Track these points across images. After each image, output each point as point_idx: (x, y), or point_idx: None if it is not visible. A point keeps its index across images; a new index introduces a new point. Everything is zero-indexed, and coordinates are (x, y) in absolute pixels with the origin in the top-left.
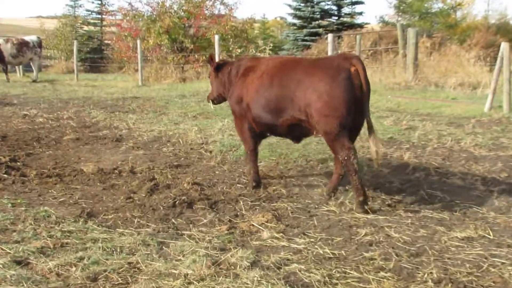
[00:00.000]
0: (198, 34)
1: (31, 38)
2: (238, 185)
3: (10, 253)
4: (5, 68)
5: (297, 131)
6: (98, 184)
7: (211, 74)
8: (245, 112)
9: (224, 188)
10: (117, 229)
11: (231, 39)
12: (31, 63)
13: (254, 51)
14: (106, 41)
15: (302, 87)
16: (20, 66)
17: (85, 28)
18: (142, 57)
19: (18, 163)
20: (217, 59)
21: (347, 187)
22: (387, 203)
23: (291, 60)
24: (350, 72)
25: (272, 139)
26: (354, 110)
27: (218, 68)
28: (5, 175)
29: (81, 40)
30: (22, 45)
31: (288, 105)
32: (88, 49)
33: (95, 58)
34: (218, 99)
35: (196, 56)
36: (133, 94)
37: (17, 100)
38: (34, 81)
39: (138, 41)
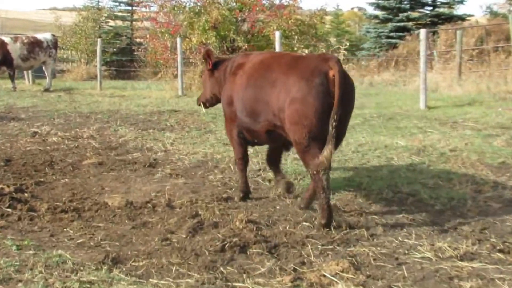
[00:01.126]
0: (254, 31)
1: (44, 36)
2: (304, 223)
3: None
4: (12, 74)
5: (278, 139)
6: (126, 221)
7: (205, 73)
8: (235, 115)
9: (287, 227)
10: (150, 280)
11: (296, 36)
12: (43, 68)
13: (324, 51)
14: (137, 40)
15: (276, 89)
16: (30, 71)
17: (111, 23)
18: (183, 60)
19: (26, 194)
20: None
21: (446, 227)
22: (498, 247)
23: (273, 57)
24: (327, 76)
25: (348, 161)
26: (327, 119)
27: (215, 65)
28: (9, 210)
29: (106, 39)
30: (34, 45)
31: (263, 109)
32: (114, 49)
33: (123, 61)
34: (211, 101)
35: None
36: (171, 107)
37: (25, 114)
38: (46, 90)
39: (178, 40)
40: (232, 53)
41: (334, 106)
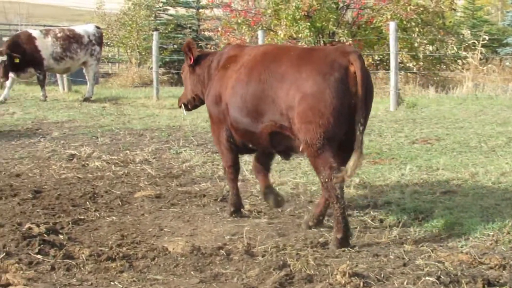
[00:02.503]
0: (361, 21)
1: (85, 28)
2: (427, 278)
3: None
4: (42, 78)
5: (281, 143)
6: (192, 273)
7: (185, 69)
8: (224, 116)
9: (405, 283)
10: None
11: (417, 28)
12: (83, 70)
13: (455, 48)
14: (205, 33)
15: (285, 84)
16: (65, 75)
17: (171, 11)
18: None
19: (61, 236)
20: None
21: None
22: None
23: (278, 48)
24: (347, 71)
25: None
26: (346, 121)
27: (197, 61)
28: (40, 256)
29: (164, 32)
30: (71, 41)
31: (268, 107)
32: (175, 46)
33: None
34: (193, 103)
35: None
36: None
37: (59, 132)
38: (87, 99)
39: (260, 33)
40: None
41: (358, 108)
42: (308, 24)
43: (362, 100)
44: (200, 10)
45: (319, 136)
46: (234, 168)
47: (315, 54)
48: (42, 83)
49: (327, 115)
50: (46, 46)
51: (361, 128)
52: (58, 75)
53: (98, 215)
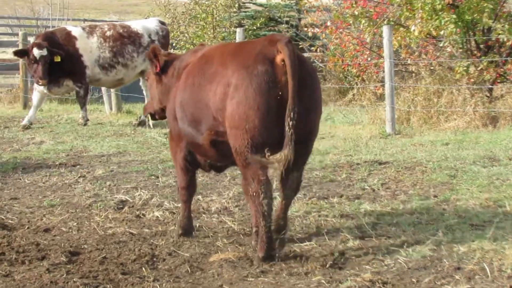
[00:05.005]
0: None
1: (145, 24)
2: None
3: None
4: (83, 93)
5: (228, 152)
6: None
7: (150, 76)
8: (179, 131)
9: None
10: None
11: None
12: (141, 83)
13: None
14: (308, 30)
15: (213, 84)
16: (113, 90)
17: None
18: (393, 67)
19: None
20: None
21: None
22: None
23: (218, 46)
24: (274, 63)
25: None
26: (276, 120)
27: (164, 68)
28: None
29: (251, 28)
30: (125, 41)
31: (203, 113)
32: None
33: None
34: (161, 114)
35: None
36: (372, 155)
37: (104, 169)
38: (142, 123)
39: (385, 29)
40: (486, 53)
41: (289, 101)
42: (453, 16)
43: (294, 90)
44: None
45: (246, 143)
46: (188, 190)
47: (245, 47)
48: (82, 101)
49: (252, 117)
50: (90, 48)
51: (290, 123)
52: (104, 90)
53: (158, 286)
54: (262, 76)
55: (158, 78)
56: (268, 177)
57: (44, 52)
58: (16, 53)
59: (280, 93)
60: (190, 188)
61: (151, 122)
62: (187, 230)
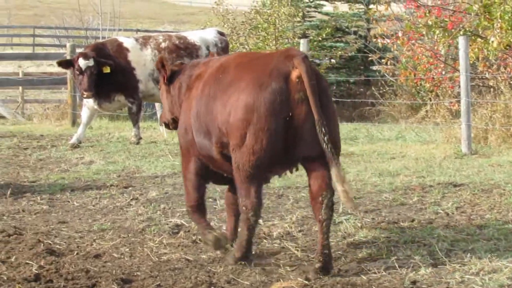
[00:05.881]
0: None
1: (202, 35)
2: None
3: None
4: (136, 110)
5: None
6: None
7: (162, 86)
8: (191, 147)
9: None
10: None
11: None
12: None
13: None
14: (377, 41)
15: (226, 95)
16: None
17: (327, 7)
18: (469, 81)
19: None
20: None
21: None
22: None
23: (237, 56)
24: (288, 79)
25: None
26: (286, 140)
27: (171, 79)
28: None
29: (316, 39)
30: (182, 53)
31: (214, 123)
32: (333, 61)
33: (350, 83)
34: (173, 125)
35: None
36: (447, 177)
37: (158, 191)
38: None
39: (461, 40)
40: None
41: (315, 117)
42: None
43: (316, 105)
44: (371, 7)
45: (252, 163)
46: (198, 208)
47: (261, 59)
48: (135, 118)
49: (261, 137)
50: (144, 61)
51: (325, 138)
52: (158, 106)
53: None
54: (275, 95)
55: (167, 88)
56: (261, 197)
57: (91, 62)
58: (60, 63)
59: (290, 113)
60: (200, 207)
61: (165, 131)
62: (218, 240)
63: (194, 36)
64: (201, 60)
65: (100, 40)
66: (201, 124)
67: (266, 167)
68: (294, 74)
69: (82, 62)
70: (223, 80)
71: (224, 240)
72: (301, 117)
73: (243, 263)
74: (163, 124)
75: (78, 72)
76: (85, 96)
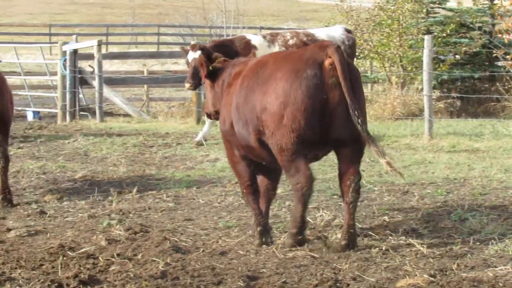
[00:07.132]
0: None
1: (329, 32)
2: None
3: None
4: None
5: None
6: None
7: (206, 81)
8: (234, 137)
9: None
10: None
11: None
12: None
13: None
14: (504, 37)
15: (264, 86)
16: None
17: (451, 2)
18: None
19: None
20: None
21: None
22: None
23: (273, 54)
24: (322, 66)
25: None
26: (322, 121)
27: (212, 75)
28: None
29: (440, 35)
30: None
31: (252, 113)
32: (457, 57)
33: (475, 79)
34: (215, 116)
35: None
36: None
37: (282, 188)
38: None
39: None
40: None
41: (348, 102)
42: None
43: (348, 90)
44: (495, 2)
45: (292, 141)
46: (252, 188)
47: (296, 53)
48: None
49: (298, 118)
50: None
51: (359, 121)
52: None
53: None
54: (311, 80)
55: (211, 84)
56: (311, 171)
57: (197, 54)
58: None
59: (324, 96)
60: (253, 186)
61: (207, 120)
62: (265, 227)
63: (322, 33)
64: (241, 59)
65: (229, 37)
66: (240, 114)
67: (306, 144)
68: (327, 62)
69: (190, 55)
70: (262, 73)
71: (268, 237)
72: (334, 101)
73: (365, 260)
74: (205, 114)
75: (187, 64)
76: (186, 87)
